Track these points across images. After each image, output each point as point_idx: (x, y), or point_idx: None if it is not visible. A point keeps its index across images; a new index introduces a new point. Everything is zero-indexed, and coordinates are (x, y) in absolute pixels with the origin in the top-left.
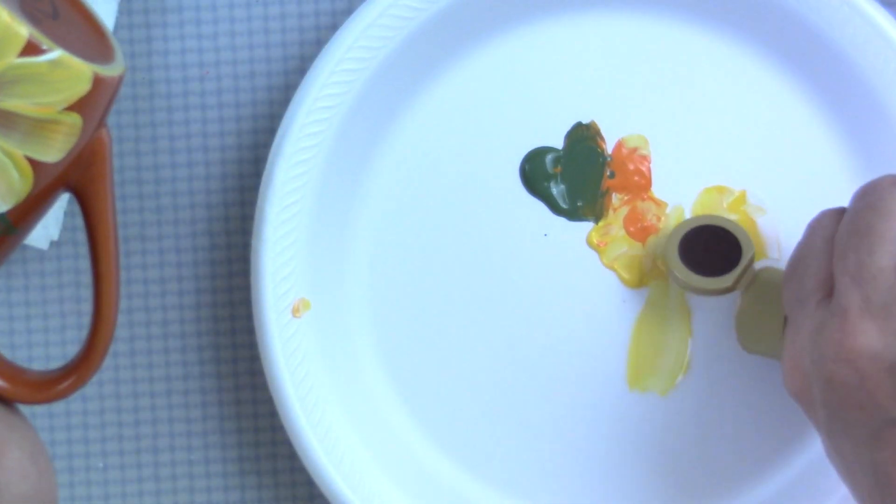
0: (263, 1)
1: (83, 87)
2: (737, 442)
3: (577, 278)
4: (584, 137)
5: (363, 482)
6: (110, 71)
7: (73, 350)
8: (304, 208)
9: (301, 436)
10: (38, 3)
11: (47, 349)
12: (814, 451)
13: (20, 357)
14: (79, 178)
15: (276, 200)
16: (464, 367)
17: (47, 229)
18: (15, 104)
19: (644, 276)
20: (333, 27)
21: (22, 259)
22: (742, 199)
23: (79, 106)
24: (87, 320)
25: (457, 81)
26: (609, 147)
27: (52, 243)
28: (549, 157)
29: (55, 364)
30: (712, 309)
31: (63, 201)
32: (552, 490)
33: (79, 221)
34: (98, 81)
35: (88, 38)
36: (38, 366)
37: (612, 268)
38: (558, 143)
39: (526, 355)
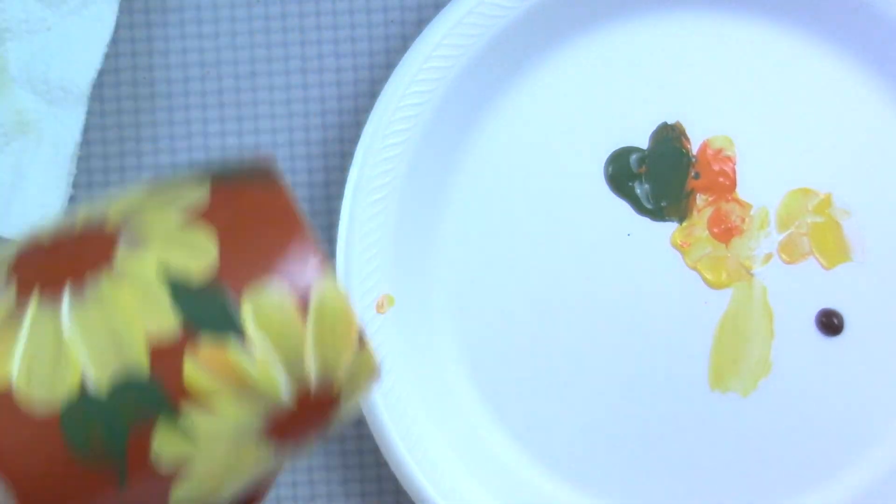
0: (264, 1)
1: None
2: (817, 444)
3: (661, 279)
4: (669, 138)
5: (444, 478)
6: None
7: None
8: (390, 206)
9: (384, 431)
10: None
11: None
12: (894, 453)
13: None
14: None
15: (362, 198)
16: (545, 365)
17: None
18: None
19: (728, 278)
20: (334, 27)
21: None
22: (828, 201)
23: None
24: None
25: (542, 80)
26: (694, 148)
27: None
28: (633, 157)
29: None
30: (795, 310)
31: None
32: (631, 488)
33: None
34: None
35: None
36: None
37: (695, 268)
38: (643, 143)
39: (607, 355)
